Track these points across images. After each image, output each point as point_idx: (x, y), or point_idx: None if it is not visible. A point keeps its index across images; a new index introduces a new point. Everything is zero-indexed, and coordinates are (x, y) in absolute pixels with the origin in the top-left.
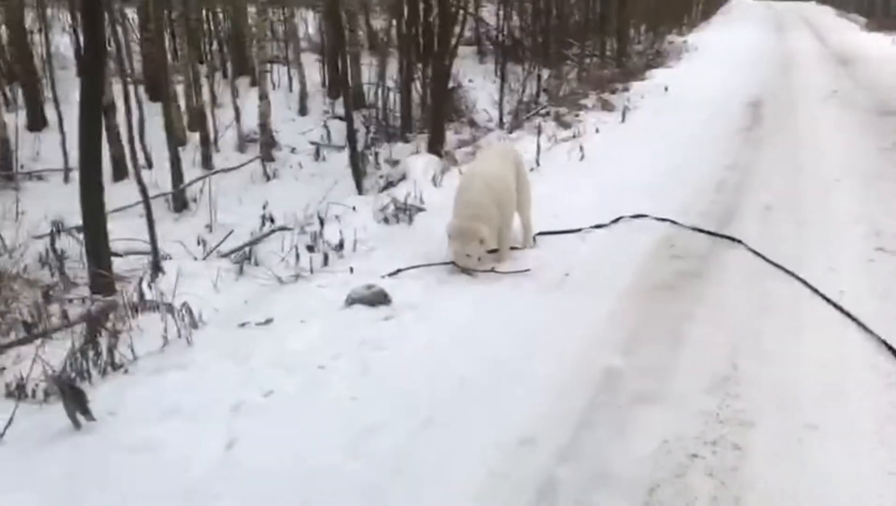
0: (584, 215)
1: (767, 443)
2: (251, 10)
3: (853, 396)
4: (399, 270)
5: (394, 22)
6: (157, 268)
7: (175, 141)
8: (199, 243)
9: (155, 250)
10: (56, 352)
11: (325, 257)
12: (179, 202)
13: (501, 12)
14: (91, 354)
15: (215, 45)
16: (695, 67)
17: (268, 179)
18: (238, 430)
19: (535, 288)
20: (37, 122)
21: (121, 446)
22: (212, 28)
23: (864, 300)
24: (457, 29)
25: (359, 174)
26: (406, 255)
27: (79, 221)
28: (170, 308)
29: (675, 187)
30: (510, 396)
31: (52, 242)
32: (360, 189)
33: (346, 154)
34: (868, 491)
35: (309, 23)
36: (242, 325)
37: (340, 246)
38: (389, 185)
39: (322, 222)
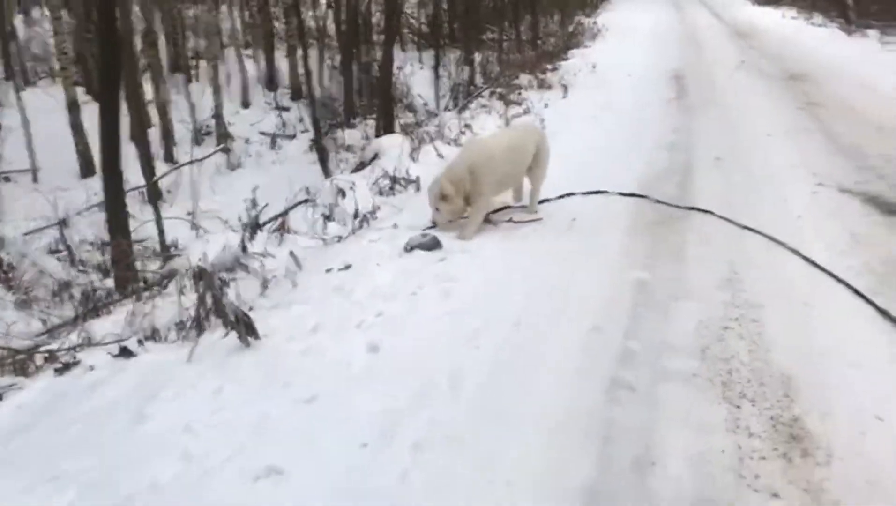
0: (568, 178)
1: (777, 316)
2: (191, 10)
3: (833, 286)
4: (435, 224)
5: (317, 13)
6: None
7: (144, 137)
8: (193, 228)
9: (161, 231)
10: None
11: (365, 219)
12: (154, 194)
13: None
14: (208, 302)
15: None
16: (611, 46)
17: (232, 168)
18: (371, 339)
19: (551, 231)
20: None
21: (289, 354)
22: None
23: (821, 225)
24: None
25: (325, 158)
26: (425, 215)
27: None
28: (243, 267)
29: (635, 150)
30: (569, 303)
31: (62, 232)
32: (325, 172)
33: (298, 142)
34: (854, 342)
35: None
36: (328, 270)
37: (356, 215)
38: (361, 165)
39: (343, 193)
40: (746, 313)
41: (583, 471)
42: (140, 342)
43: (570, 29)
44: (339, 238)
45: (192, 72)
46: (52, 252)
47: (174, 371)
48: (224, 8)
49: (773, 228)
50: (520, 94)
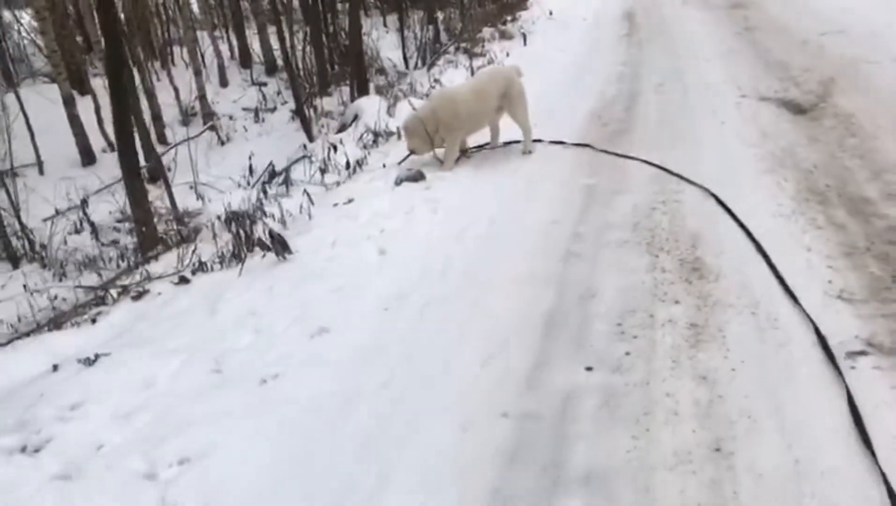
0: (531, 112)
1: (694, 198)
2: None
3: (738, 173)
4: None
5: None
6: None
7: (140, 120)
8: (198, 198)
9: (172, 198)
10: (201, 248)
11: (358, 165)
12: (162, 168)
13: None
14: (242, 236)
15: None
16: None
17: (222, 143)
18: (379, 246)
19: (516, 155)
20: None
21: (318, 261)
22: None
23: (739, 127)
24: None
25: (308, 125)
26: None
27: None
28: (263, 212)
29: (589, 83)
30: (532, 205)
31: (84, 211)
32: (310, 137)
33: (279, 114)
34: (748, 207)
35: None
36: (335, 204)
37: (347, 165)
38: (343, 127)
39: (335, 148)
40: (671, 197)
41: (544, 305)
42: (193, 273)
43: None
44: (338, 183)
45: (168, 57)
46: (76, 232)
47: (230, 283)
48: None
49: (699, 132)
50: (483, 46)
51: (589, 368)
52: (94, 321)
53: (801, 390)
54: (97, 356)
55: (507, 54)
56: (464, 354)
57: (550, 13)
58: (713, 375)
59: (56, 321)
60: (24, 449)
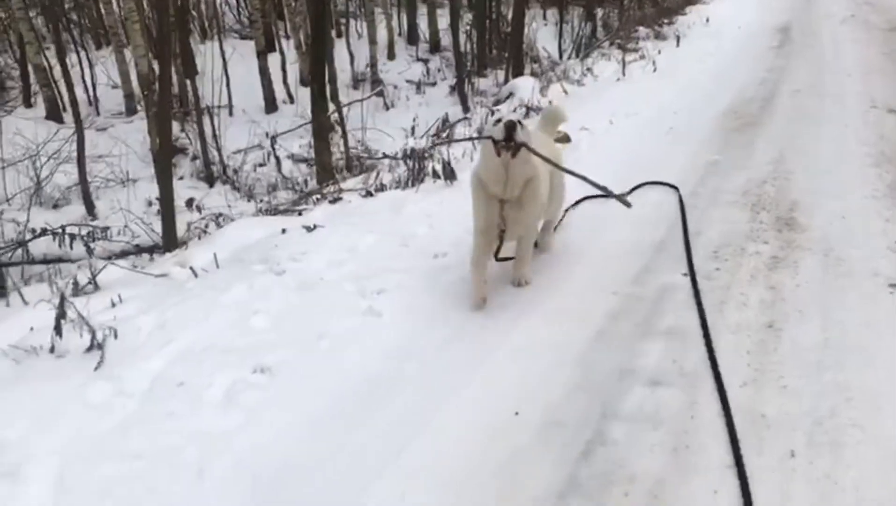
0: (674, 101)
1: (803, 177)
2: None
3: (849, 166)
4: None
5: None
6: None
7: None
8: (365, 150)
9: (346, 142)
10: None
11: None
12: (341, 116)
13: None
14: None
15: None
16: (728, 2)
17: (387, 108)
18: None
19: (653, 135)
20: (190, 70)
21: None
22: None
23: (860, 130)
24: None
25: (465, 97)
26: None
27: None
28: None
29: (729, 83)
30: (656, 173)
31: (273, 147)
32: (465, 109)
33: (439, 89)
34: (845, 188)
35: None
36: None
37: None
38: (498, 102)
39: (492, 112)
40: (781, 175)
41: (656, 237)
42: (376, 190)
43: None
44: None
45: (342, 27)
46: (260, 165)
47: (408, 196)
48: None
49: (823, 131)
50: (637, 43)
51: (684, 274)
52: (300, 214)
53: (845, 302)
54: (315, 226)
55: (659, 52)
56: (591, 256)
57: (707, 20)
58: (780, 286)
59: (270, 213)
60: (270, 271)
